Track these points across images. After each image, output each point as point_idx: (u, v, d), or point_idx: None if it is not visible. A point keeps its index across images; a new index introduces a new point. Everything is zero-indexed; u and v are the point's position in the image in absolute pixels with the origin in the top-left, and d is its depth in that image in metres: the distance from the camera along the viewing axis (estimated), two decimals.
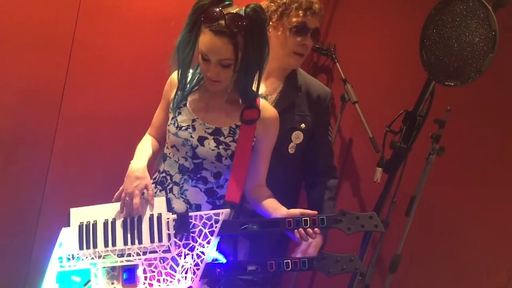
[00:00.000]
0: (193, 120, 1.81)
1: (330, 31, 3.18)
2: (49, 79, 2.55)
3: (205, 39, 1.67)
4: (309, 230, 1.64)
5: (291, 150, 2.14)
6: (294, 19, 2.02)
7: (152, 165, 1.93)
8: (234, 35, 1.64)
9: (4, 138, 2.52)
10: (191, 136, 1.79)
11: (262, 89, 2.10)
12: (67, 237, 1.73)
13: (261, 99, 1.85)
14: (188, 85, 1.84)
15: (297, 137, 2.14)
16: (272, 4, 2.06)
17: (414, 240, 2.55)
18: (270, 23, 2.06)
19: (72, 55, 2.56)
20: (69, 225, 1.75)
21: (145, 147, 1.88)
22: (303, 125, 2.14)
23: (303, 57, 2.12)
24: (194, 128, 1.80)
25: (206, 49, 1.67)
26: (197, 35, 1.70)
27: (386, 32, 2.95)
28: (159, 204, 1.72)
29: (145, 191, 1.73)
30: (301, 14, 2.02)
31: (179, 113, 1.83)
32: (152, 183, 1.90)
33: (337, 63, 2.99)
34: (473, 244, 2.57)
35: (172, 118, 1.84)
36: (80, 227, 1.73)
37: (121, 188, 1.77)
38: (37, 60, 2.50)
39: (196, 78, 1.86)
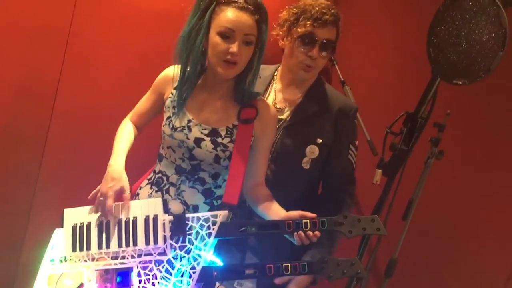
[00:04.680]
0: (189, 121, 1.77)
1: None
2: (44, 74, 2.51)
3: (229, 15, 1.65)
4: (309, 232, 1.58)
5: (305, 165, 2.03)
6: (300, 29, 1.95)
7: (130, 156, 1.84)
8: (254, 14, 1.66)
9: None
10: (187, 138, 1.75)
11: (279, 97, 2.06)
12: (60, 239, 1.68)
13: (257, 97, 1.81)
14: (187, 85, 1.78)
15: (312, 151, 2.02)
16: (286, 13, 2.01)
17: (411, 244, 2.52)
18: (280, 32, 2.02)
19: (68, 49, 2.52)
20: (62, 226, 1.70)
21: (124, 139, 1.83)
22: (319, 140, 2.02)
23: (312, 69, 2.01)
24: (189, 129, 1.76)
25: (232, 24, 1.64)
26: (210, 20, 1.67)
27: (385, 34, 2.94)
28: (155, 205, 1.68)
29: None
30: (308, 24, 1.94)
31: (174, 113, 1.79)
32: (147, 184, 1.87)
33: (335, 65, 2.96)
34: (471, 249, 2.57)
35: (167, 118, 1.80)
36: (74, 228, 1.68)
37: (98, 187, 1.74)
38: (32, 54, 2.46)
39: (193, 77, 1.81)
